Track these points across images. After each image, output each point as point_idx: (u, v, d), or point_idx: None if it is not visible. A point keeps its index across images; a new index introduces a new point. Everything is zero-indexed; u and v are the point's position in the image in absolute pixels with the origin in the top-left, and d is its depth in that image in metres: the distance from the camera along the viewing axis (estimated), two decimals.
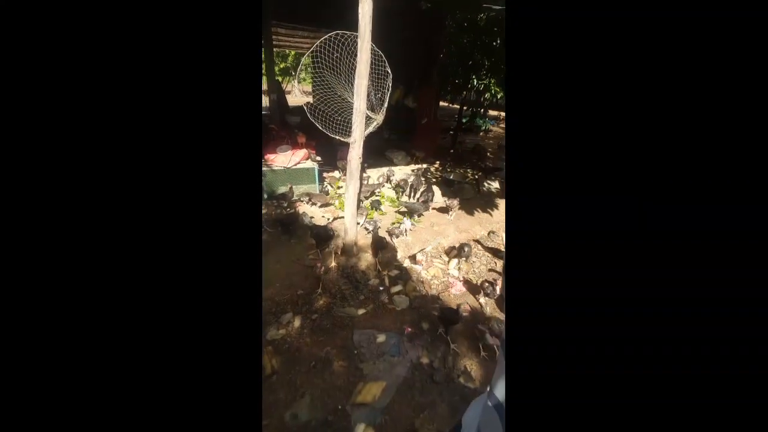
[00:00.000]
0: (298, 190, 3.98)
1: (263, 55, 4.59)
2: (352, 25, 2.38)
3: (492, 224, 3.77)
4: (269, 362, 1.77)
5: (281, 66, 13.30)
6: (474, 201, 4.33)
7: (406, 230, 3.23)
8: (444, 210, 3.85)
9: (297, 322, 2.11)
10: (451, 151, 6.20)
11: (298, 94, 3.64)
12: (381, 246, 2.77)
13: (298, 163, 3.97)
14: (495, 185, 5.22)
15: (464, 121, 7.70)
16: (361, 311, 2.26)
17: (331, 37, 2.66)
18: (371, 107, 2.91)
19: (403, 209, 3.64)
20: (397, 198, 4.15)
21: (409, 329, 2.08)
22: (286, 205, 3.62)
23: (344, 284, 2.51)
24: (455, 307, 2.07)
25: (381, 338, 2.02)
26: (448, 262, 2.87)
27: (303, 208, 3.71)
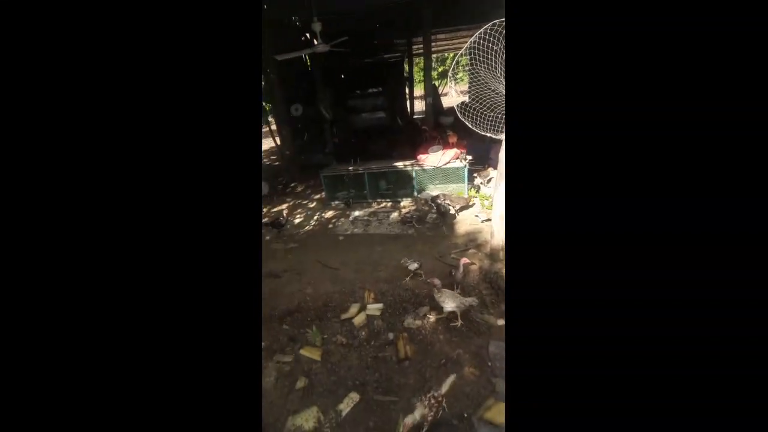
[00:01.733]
0: (446, 188, 4.04)
1: (422, 64, 4.87)
2: None
3: None
4: (403, 348, 1.90)
5: (439, 70, 13.80)
6: None
7: None
8: None
9: (432, 318, 2.17)
10: None
11: (455, 95, 3.69)
12: None
13: (448, 162, 4.03)
14: None
15: None
16: (500, 322, 2.08)
17: (487, 29, 2.54)
18: None
19: None
20: None
21: None
22: (434, 205, 3.75)
23: (486, 289, 2.37)
24: None
25: None
26: None
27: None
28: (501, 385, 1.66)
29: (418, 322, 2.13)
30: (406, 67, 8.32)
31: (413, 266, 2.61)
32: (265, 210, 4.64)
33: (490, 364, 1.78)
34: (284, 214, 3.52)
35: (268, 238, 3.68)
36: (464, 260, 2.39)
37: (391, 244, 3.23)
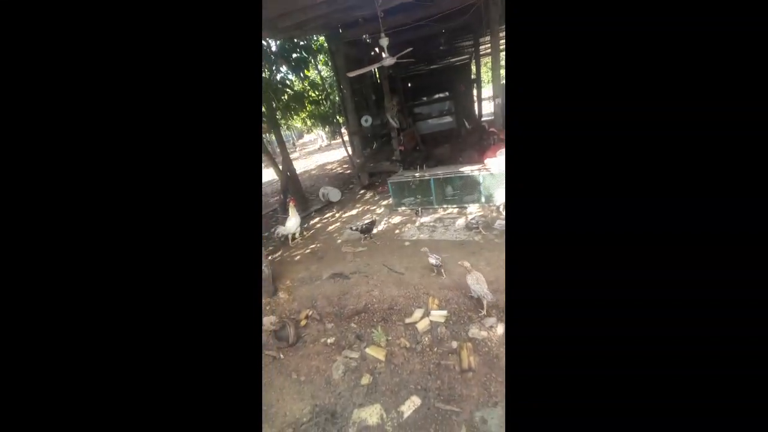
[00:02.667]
0: None
1: (490, 64, 4.70)
2: None
3: None
4: (467, 357, 1.86)
5: None
6: None
7: None
8: None
9: (500, 330, 2.07)
10: None
11: None
12: None
13: None
14: None
15: None
16: None
17: None
18: None
19: None
20: None
21: None
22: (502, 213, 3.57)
23: None
24: None
25: None
26: None
27: None
28: None
29: (484, 333, 2.06)
30: (474, 68, 8.07)
31: (434, 260, 2.61)
32: (338, 215, 5.00)
33: None
34: (374, 219, 3.83)
35: (339, 241, 3.96)
36: None
37: (456, 250, 3.17)
